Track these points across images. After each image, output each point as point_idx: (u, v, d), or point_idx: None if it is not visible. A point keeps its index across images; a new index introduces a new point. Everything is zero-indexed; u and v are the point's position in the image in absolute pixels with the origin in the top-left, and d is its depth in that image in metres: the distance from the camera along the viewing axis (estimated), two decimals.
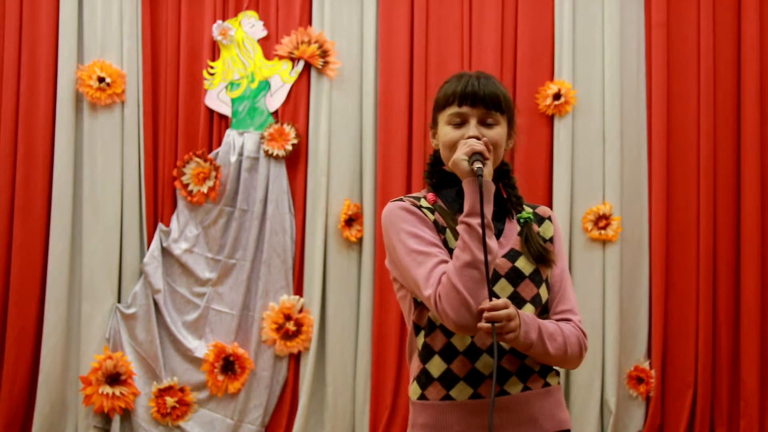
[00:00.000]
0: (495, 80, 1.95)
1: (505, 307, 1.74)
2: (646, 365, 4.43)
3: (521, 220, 1.95)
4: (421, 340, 1.90)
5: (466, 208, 1.78)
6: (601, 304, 4.41)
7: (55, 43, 4.38)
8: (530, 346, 1.80)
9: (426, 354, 1.88)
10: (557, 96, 4.41)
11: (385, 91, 4.46)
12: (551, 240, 1.98)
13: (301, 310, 4.39)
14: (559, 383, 1.96)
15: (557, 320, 1.91)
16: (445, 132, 1.91)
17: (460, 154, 1.81)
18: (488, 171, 1.81)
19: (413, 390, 1.91)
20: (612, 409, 4.37)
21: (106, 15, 4.39)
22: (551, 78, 4.48)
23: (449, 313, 1.75)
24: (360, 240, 4.42)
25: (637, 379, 4.42)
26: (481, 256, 1.74)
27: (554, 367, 1.95)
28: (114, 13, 4.39)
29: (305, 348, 4.38)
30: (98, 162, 4.37)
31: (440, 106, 1.95)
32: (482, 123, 1.90)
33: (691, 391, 4.41)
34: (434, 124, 1.98)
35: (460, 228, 1.78)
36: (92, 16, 4.40)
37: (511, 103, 1.97)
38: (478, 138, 1.86)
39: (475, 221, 1.75)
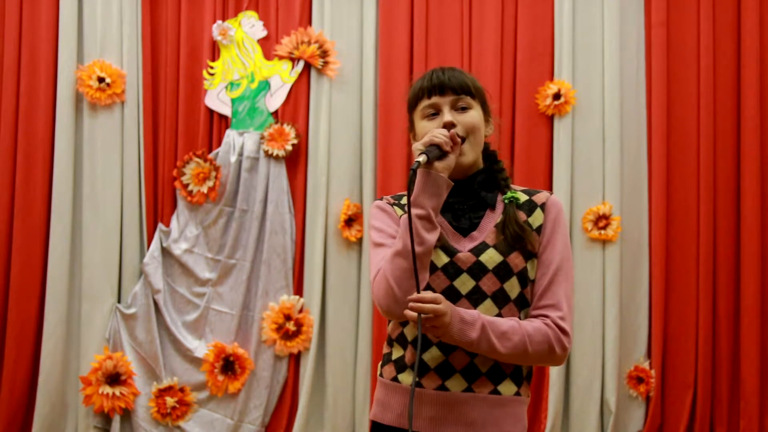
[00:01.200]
0: (461, 71, 1.97)
1: (433, 301, 1.74)
2: (646, 365, 4.43)
3: (506, 200, 1.94)
4: (389, 328, 2.00)
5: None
6: (601, 304, 4.41)
7: (55, 43, 4.38)
8: (470, 344, 1.79)
9: (389, 341, 1.98)
10: (557, 96, 4.41)
11: (385, 91, 4.46)
12: (539, 229, 1.91)
13: (301, 310, 4.39)
14: (517, 394, 1.89)
15: (535, 315, 1.87)
16: (422, 126, 1.94)
17: (419, 144, 1.82)
18: (445, 165, 1.81)
19: (379, 366, 2.02)
20: (612, 409, 4.37)
21: (106, 15, 4.39)
22: (551, 78, 4.48)
23: (378, 299, 1.83)
24: (360, 240, 4.42)
25: (637, 379, 4.42)
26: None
27: (513, 376, 1.88)
28: (114, 13, 4.39)
29: (305, 348, 4.38)
30: (98, 162, 4.38)
31: (412, 105, 1.99)
32: (455, 108, 1.92)
33: (691, 391, 4.41)
34: (411, 126, 2.01)
35: (402, 218, 1.83)
36: (92, 16, 4.40)
37: (481, 89, 1.98)
38: (453, 125, 1.88)
39: (415, 211, 1.77)
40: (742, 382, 4.41)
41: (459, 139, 1.85)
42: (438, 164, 1.79)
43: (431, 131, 1.83)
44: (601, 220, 4.41)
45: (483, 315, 1.81)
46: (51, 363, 4.28)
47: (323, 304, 4.42)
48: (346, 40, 4.48)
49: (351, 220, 4.40)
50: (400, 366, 1.92)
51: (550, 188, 4.45)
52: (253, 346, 4.37)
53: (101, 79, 4.33)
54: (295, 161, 4.45)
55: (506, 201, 1.93)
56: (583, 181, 4.46)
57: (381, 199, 2.00)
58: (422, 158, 1.76)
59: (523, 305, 1.89)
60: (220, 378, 4.32)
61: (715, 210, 4.45)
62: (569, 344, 1.87)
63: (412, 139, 2.00)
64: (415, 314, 1.73)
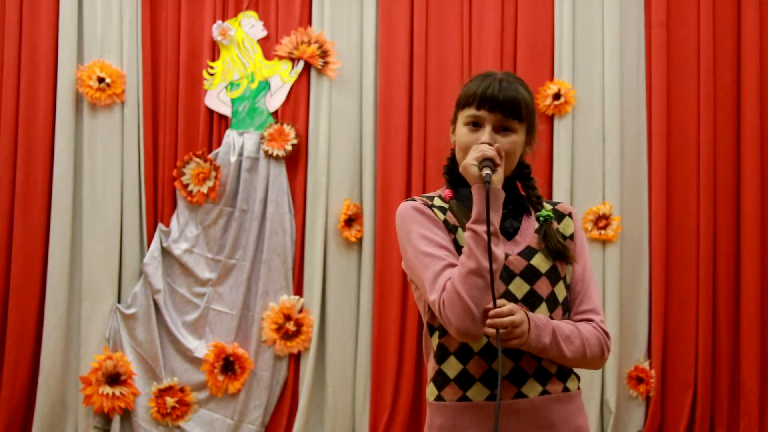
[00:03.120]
0: (519, 85, 1.91)
1: (510, 313, 1.73)
2: (646, 365, 4.43)
3: (540, 218, 1.93)
4: (435, 341, 1.89)
5: (473, 214, 1.77)
6: (601, 304, 4.39)
7: (55, 43, 4.38)
8: (543, 349, 1.79)
9: (441, 355, 1.87)
10: (557, 96, 4.41)
11: (385, 91, 4.46)
12: (571, 237, 1.95)
13: (301, 310, 4.39)
14: (579, 388, 1.93)
15: (579, 320, 1.89)
16: (462, 133, 1.90)
17: (471, 159, 1.79)
18: (498, 178, 1.79)
19: (430, 391, 1.90)
20: (612, 409, 4.37)
21: (106, 15, 4.39)
22: (551, 78, 4.48)
23: (452, 320, 1.75)
24: (360, 240, 4.42)
25: (637, 379, 4.42)
26: (486, 263, 1.73)
27: (574, 371, 1.92)
28: (114, 13, 4.39)
29: (305, 348, 4.38)
30: (98, 162, 4.37)
31: (461, 104, 1.92)
32: (498, 129, 1.87)
33: (691, 391, 4.41)
34: (454, 120, 1.96)
35: (466, 235, 1.77)
36: (92, 16, 4.40)
37: (533, 110, 1.93)
38: (490, 144, 1.84)
39: (482, 228, 1.75)
40: (742, 382, 4.41)
41: (503, 154, 1.83)
42: (493, 177, 1.78)
43: (477, 147, 1.81)
44: (601, 220, 4.41)
45: (550, 319, 1.82)
46: (51, 363, 4.28)
47: (323, 304, 4.42)
48: (346, 40, 4.48)
49: (351, 220, 4.39)
50: (466, 382, 1.84)
51: (550, 188, 4.45)
52: (253, 346, 4.37)
53: (101, 79, 4.33)
54: (295, 161, 4.45)
55: (541, 219, 1.93)
56: (583, 181, 4.46)
57: (413, 199, 1.92)
58: (489, 170, 1.76)
59: (566, 310, 1.91)
60: (220, 378, 4.32)
61: (715, 210, 4.45)
62: (611, 347, 1.92)
63: (451, 133, 1.96)
64: (493, 331, 1.72)
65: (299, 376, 4.41)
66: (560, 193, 4.40)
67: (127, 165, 4.38)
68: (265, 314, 4.36)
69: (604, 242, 4.43)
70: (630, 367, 4.44)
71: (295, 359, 4.42)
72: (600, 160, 4.47)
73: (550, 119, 4.48)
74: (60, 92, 4.36)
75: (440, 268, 1.80)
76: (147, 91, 4.41)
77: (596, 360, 1.89)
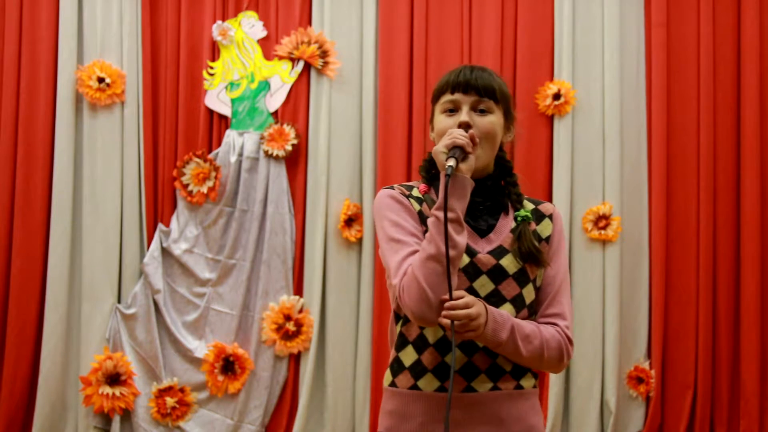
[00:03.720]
0: (491, 73, 1.94)
1: (466, 306, 1.73)
2: (646, 365, 4.43)
3: (518, 218, 1.92)
4: (398, 329, 1.91)
5: (437, 201, 1.77)
6: (601, 304, 4.41)
7: (55, 43, 4.38)
8: (499, 344, 1.79)
9: (401, 343, 1.89)
10: (557, 96, 4.41)
11: (385, 91, 4.46)
12: (548, 239, 1.94)
13: (301, 311, 4.39)
14: (535, 386, 1.92)
15: (543, 323, 1.88)
16: (439, 120, 1.92)
17: (441, 146, 1.80)
18: (468, 166, 1.78)
19: (386, 376, 1.93)
20: (612, 409, 4.37)
21: (106, 15, 4.39)
22: (551, 78, 4.48)
23: (409, 305, 1.76)
24: (360, 240, 4.42)
25: (637, 379, 4.42)
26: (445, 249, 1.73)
27: (531, 370, 1.91)
28: (114, 13, 4.39)
29: (305, 348, 4.38)
30: (98, 162, 4.37)
31: (436, 97, 1.95)
32: (475, 110, 1.90)
33: (691, 391, 4.41)
34: (432, 118, 1.98)
35: (429, 221, 1.77)
36: (92, 16, 4.40)
37: (507, 95, 1.96)
38: (469, 125, 1.86)
39: (447, 215, 1.74)
40: (742, 382, 4.41)
41: (477, 140, 1.84)
42: (462, 166, 1.78)
43: (450, 132, 1.82)
44: (601, 220, 4.41)
45: (510, 316, 1.81)
46: (51, 363, 4.28)
47: (323, 304, 4.42)
48: (346, 40, 4.48)
49: (351, 220, 4.39)
50: (418, 372, 1.85)
51: (550, 188, 4.46)
52: (253, 347, 4.37)
53: (101, 80, 4.33)
54: (295, 161, 4.45)
55: (519, 219, 1.92)
56: (583, 181, 4.46)
57: (392, 188, 1.93)
58: (452, 162, 1.75)
59: (534, 310, 1.91)
60: (220, 378, 4.32)
61: (715, 210, 4.45)
62: (572, 354, 1.91)
63: (431, 132, 1.98)
64: (448, 321, 1.72)
65: (299, 376, 4.42)
66: (560, 193, 4.40)
67: (127, 165, 4.38)
68: (265, 314, 4.36)
69: (604, 242, 4.43)
70: (630, 367, 4.45)
71: (295, 359, 4.42)
72: (600, 160, 4.47)
73: (550, 119, 4.48)
74: (60, 92, 4.36)
75: (406, 254, 1.81)
76: (147, 91, 4.41)
77: (554, 364, 1.88)
